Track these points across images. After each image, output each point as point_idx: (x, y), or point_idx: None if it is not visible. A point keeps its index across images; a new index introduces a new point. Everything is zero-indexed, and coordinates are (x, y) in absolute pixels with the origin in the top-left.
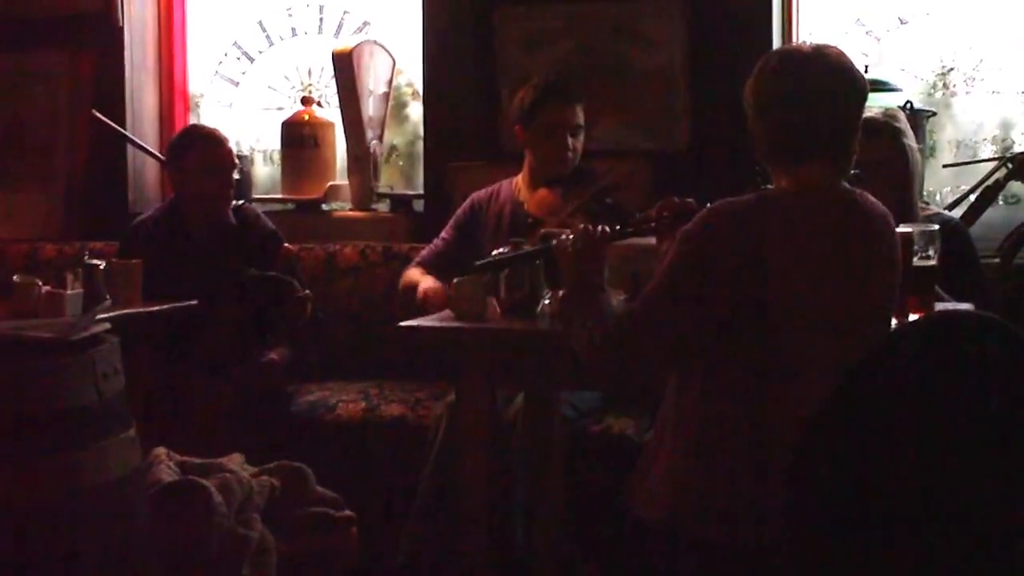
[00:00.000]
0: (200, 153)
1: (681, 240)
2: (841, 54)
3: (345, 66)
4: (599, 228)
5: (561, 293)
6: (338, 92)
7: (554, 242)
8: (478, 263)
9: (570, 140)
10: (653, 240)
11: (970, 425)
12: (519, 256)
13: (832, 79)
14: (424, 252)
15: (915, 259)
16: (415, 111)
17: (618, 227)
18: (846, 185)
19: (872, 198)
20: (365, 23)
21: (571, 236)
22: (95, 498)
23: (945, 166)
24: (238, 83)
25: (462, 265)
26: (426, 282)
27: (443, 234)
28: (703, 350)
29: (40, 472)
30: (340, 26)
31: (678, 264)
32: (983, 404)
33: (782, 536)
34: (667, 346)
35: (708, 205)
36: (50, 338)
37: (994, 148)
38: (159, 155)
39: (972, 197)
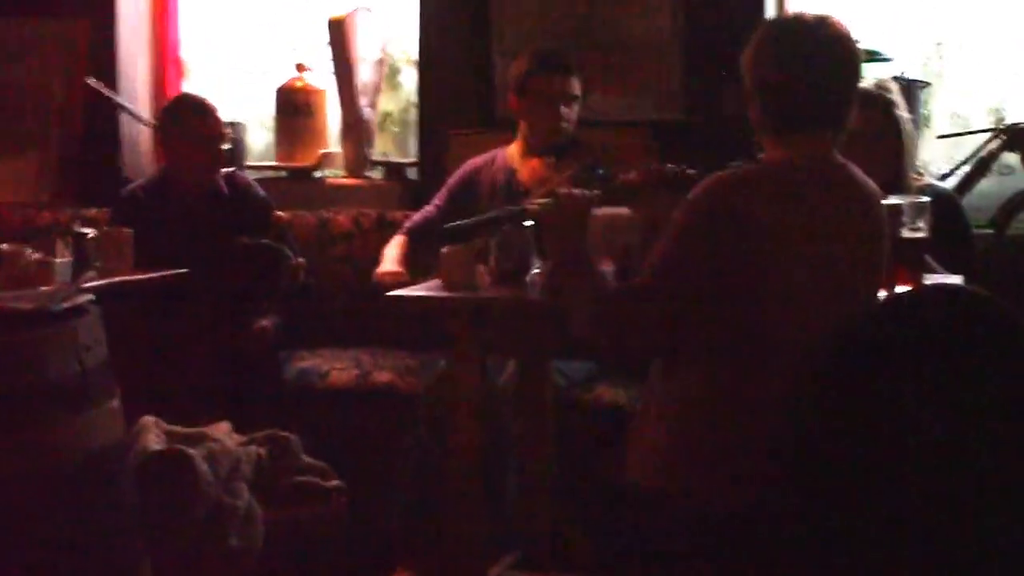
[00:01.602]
0: (189, 123)
1: (683, 209)
2: (841, 24)
3: (339, 33)
4: (579, 193)
5: (546, 265)
6: (332, 59)
7: (526, 206)
8: (447, 226)
9: (564, 110)
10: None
11: (955, 397)
12: (486, 221)
13: (833, 50)
14: (416, 217)
15: (905, 230)
16: (409, 78)
17: (597, 192)
18: (838, 156)
19: (861, 173)
20: None
21: (551, 201)
22: (78, 469)
23: (939, 137)
24: (232, 50)
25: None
26: (387, 263)
27: (436, 200)
28: (706, 319)
29: (21, 444)
30: None
31: (683, 234)
32: (969, 377)
33: (768, 502)
34: (674, 316)
35: (689, 169)
36: (31, 309)
37: (989, 119)
38: (152, 122)
39: (966, 168)
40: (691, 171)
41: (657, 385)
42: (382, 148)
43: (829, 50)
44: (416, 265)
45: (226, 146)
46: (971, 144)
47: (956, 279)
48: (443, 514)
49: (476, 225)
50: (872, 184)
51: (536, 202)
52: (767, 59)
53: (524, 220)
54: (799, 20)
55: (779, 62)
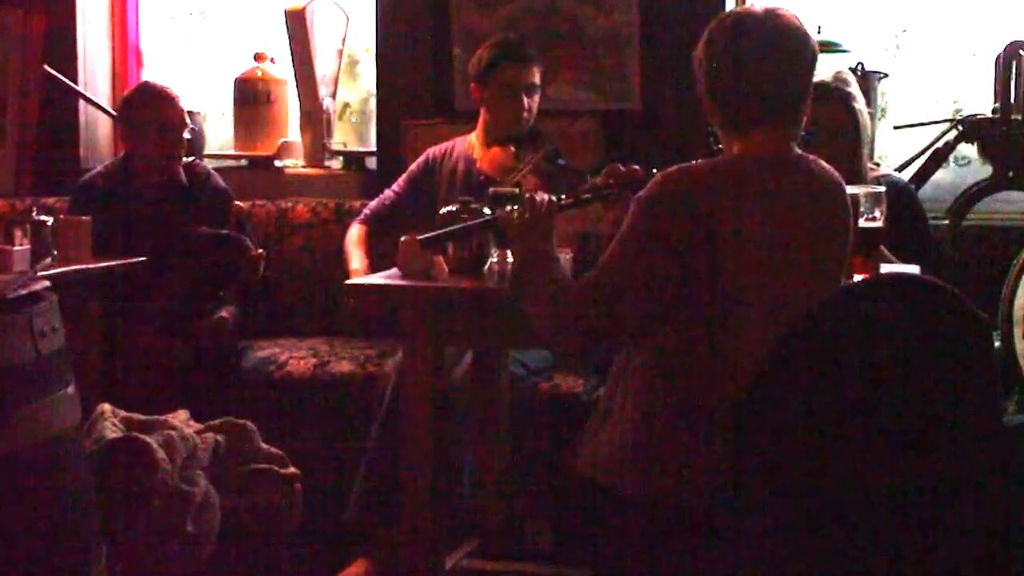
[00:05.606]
0: (151, 111)
1: (635, 207)
2: (794, 16)
3: (298, 23)
4: (546, 199)
5: (510, 265)
6: (291, 49)
7: (498, 214)
8: (421, 238)
9: (525, 100)
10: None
11: (908, 387)
12: (465, 228)
13: (786, 42)
14: (374, 204)
15: (861, 220)
16: (368, 68)
17: (564, 197)
18: (798, 150)
19: (824, 163)
20: None
21: (518, 208)
22: (32, 455)
23: (896, 128)
24: (191, 39)
25: (411, 219)
26: (357, 264)
27: (395, 186)
28: (661, 315)
29: None
30: None
31: (633, 231)
32: (923, 366)
33: (725, 494)
34: (628, 312)
35: (654, 171)
36: None
37: (946, 110)
38: (111, 111)
39: (923, 158)
40: (655, 171)
41: (618, 380)
42: (341, 138)
43: (781, 43)
44: (373, 252)
45: (187, 135)
46: (928, 135)
47: (912, 269)
48: (399, 503)
49: (450, 234)
50: (835, 175)
51: (507, 209)
52: (719, 56)
53: (499, 227)
54: (749, 14)
55: (731, 58)
